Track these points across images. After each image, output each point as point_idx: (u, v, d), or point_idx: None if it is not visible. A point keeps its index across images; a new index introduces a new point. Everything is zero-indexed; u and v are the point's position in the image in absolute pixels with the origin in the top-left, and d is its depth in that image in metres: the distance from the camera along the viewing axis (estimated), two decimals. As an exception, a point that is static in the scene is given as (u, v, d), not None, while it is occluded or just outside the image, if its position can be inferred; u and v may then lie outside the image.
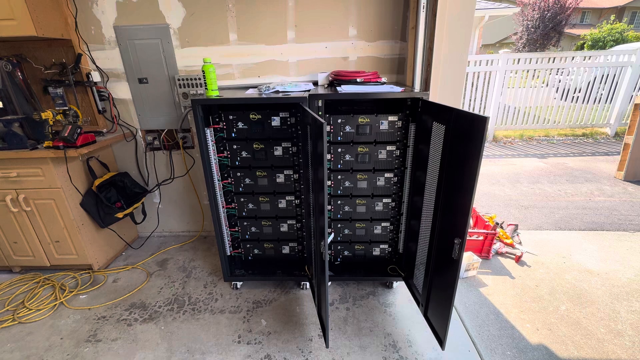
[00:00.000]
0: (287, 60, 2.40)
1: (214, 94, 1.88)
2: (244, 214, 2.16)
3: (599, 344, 1.85)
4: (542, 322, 2.01)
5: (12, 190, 2.19)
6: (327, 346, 1.72)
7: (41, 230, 2.32)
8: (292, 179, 2.07)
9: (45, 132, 2.18)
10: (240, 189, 2.10)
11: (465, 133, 1.31)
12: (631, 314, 2.04)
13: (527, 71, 6.04)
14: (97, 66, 2.42)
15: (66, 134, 2.07)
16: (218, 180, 2.03)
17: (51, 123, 2.17)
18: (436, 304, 1.68)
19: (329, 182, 2.04)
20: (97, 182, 2.33)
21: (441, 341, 1.62)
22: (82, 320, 2.05)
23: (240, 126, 1.95)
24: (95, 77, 2.39)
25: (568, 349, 1.82)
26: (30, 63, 2.31)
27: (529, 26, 14.18)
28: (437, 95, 1.98)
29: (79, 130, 2.13)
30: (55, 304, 2.18)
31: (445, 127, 1.48)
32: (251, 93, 2.01)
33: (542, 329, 1.96)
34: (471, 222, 2.84)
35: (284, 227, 2.20)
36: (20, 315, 2.08)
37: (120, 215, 2.43)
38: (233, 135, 1.98)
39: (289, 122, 1.94)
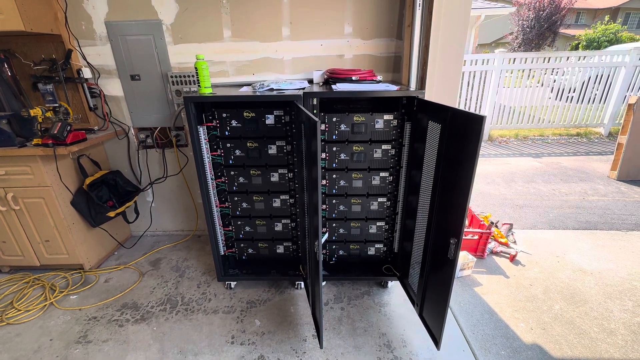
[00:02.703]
0: (282, 58, 2.37)
1: (207, 91, 1.85)
2: (237, 213, 2.14)
3: (593, 343, 1.85)
4: (536, 321, 2.02)
5: (1, 188, 2.14)
6: (321, 347, 1.70)
7: (31, 230, 2.27)
8: (287, 178, 2.05)
9: (34, 130, 2.13)
10: (234, 188, 2.08)
11: (462, 132, 1.30)
12: (624, 313, 2.05)
13: (523, 71, 6.07)
14: (88, 62, 2.37)
15: (55, 132, 2.03)
16: (211, 179, 2.00)
17: (40, 120, 2.13)
18: (431, 303, 1.68)
19: (323, 181, 2.02)
20: (88, 181, 2.29)
21: (437, 341, 1.61)
22: (72, 321, 2.02)
23: (233, 124, 1.93)
24: (86, 73, 2.34)
25: (562, 348, 1.83)
26: (19, 59, 2.25)
27: (525, 26, 14.24)
28: (433, 94, 1.96)
29: (68, 127, 2.09)
30: (45, 305, 2.14)
31: (441, 126, 1.47)
32: (245, 91, 1.98)
33: (536, 328, 1.96)
34: (466, 221, 2.84)
35: (279, 227, 2.17)
36: (8, 316, 2.04)
37: (112, 214, 2.39)
38: (227, 133, 1.95)
39: (283, 121, 1.92)
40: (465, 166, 1.28)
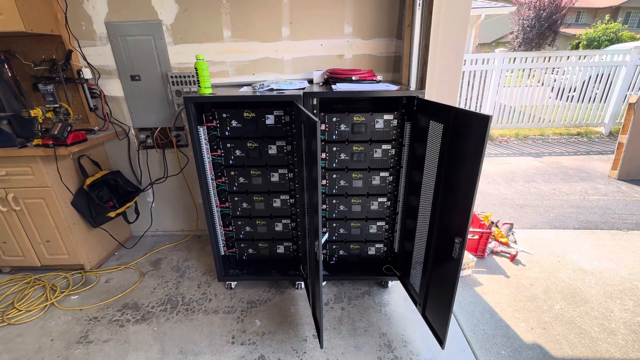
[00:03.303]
0: (282, 58, 2.37)
1: (207, 91, 1.85)
2: (238, 213, 2.14)
3: (593, 343, 1.85)
4: (537, 321, 2.01)
5: (1, 189, 2.14)
6: (321, 347, 1.71)
7: (31, 230, 2.28)
8: (287, 178, 2.05)
9: (35, 130, 2.13)
10: (234, 188, 2.08)
11: (466, 132, 1.30)
12: (624, 313, 2.05)
13: (523, 70, 6.06)
14: (88, 63, 2.37)
15: (56, 132, 2.03)
16: (212, 179, 2.00)
17: (41, 121, 2.13)
18: (435, 303, 1.67)
19: (323, 181, 2.02)
20: (88, 181, 2.29)
21: (441, 341, 1.60)
22: (73, 322, 2.02)
23: (234, 124, 1.93)
24: (87, 73, 2.34)
25: (562, 347, 1.83)
26: (20, 59, 2.26)
27: (525, 25, 14.20)
28: (433, 93, 1.96)
29: (69, 128, 2.09)
30: (46, 305, 2.14)
31: (443, 126, 1.47)
32: (245, 91, 1.98)
33: (537, 328, 1.96)
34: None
35: (279, 227, 2.17)
36: (9, 317, 2.04)
37: (112, 214, 2.39)
38: (227, 133, 1.95)
39: (283, 121, 1.92)
40: (469, 166, 1.27)
